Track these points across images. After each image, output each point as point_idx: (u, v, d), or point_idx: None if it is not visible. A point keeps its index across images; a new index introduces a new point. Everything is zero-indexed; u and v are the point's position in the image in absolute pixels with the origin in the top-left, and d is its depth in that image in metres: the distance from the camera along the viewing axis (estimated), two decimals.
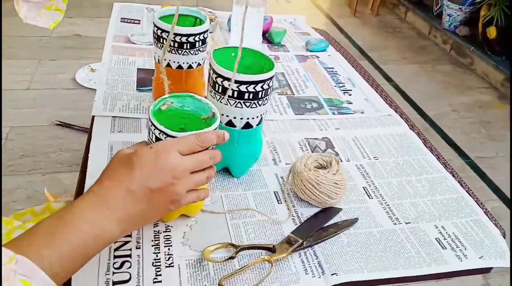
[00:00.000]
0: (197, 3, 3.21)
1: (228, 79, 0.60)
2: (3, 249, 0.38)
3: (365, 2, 3.64)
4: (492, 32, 2.65)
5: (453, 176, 0.77)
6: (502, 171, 1.91)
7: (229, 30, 1.18)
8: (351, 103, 0.95)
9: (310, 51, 1.19)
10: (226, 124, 0.64)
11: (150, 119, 0.52)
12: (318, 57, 1.15)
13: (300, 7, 3.55)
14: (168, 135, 0.51)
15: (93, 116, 0.79)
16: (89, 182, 0.64)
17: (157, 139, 0.52)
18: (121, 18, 1.22)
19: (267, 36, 1.22)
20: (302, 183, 0.64)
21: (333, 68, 1.10)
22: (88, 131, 0.77)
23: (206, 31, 0.76)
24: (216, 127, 0.54)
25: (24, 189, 1.51)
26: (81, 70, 2.19)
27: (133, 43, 1.10)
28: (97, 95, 0.86)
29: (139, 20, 1.23)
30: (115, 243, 0.56)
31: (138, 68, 0.98)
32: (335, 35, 3.02)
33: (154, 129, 0.51)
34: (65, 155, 1.68)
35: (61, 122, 1.81)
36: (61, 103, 1.95)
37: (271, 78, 0.62)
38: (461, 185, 0.75)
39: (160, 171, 0.47)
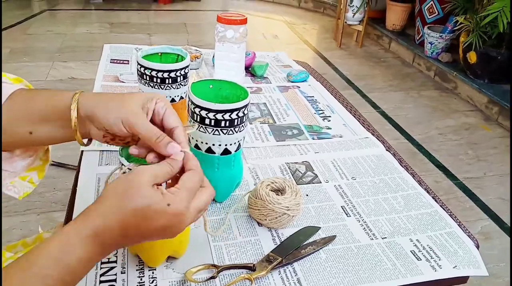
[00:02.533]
0: (188, 43, 3.33)
1: (206, 109, 0.65)
2: None
3: (350, 35, 3.78)
4: (472, 57, 2.75)
5: (428, 192, 0.80)
6: (490, 191, 1.94)
7: (213, 65, 1.24)
8: (330, 129, 1.00)
9: (292, 82, 1.24)
10: (206, 151, 0.68)
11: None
12: (299, 87, 1.21)
13: (287, 42, 3.68)
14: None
15: (82, 151, 0.83)
16: (77, 210, 0.67)
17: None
18: (111, 59, 1.29)
19: (250, 70, 1.28)
20: (253, 204, 0.69)
21: (313, 96, 1.16)
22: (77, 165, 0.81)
23: (187, 66, 0.82)
24: None
25: (19, 229, 1.53)
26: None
27: (122, 81, 1.16)
28: None
29: (128, 61, 1.30)
30: (101, 268, 0.59)
31: None
32: (322, 67, 3.14)
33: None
34: (59, 194, 1.70)
35: (55, 162, 1.84)
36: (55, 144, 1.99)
37: (245, 106, 0.67)
38: (436, 200, 0.78)
39: (172, 230, 0.46)
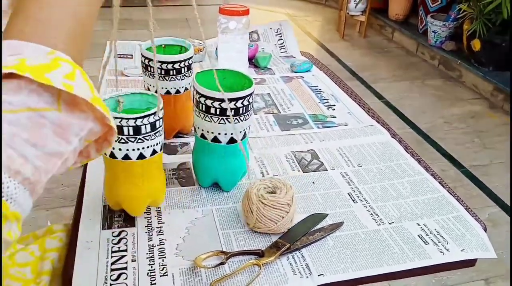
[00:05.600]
0: (190, 35, 3.32)
1: (210, 98, 0.65)
2: None
3: (352, 26, 3.76)
4: (476, 44, 2.73)
5: (434, 177, 0.80)
6: (497, 178, 1.94)
7: (217, 58, 1.24)
8: (335, 117, 1.00)
9: (295, 72, 1.24)
10: (212, 140, 0.68)
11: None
12: (303, 77, 1.21)
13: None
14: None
15: None
16: (86, 206, 0.68)
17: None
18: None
19: (253, 61, 1.28)
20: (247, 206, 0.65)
21: (317, 86, 1.16)
22: None
23: (190, 57, 0.82)
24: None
25: (29, 225, 1.54)
26: None
27: (127, 75, 1.16)
28: None
29: (132, 55, 1.30)
30: (112, 257, 0.60)
31: None
32: (325, 59, 3.13)
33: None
34: (66, 190, 1.72)
35: None
36: None
37: (250, 94, 0.67)
38: (442, 185, 0.78)
39: None
